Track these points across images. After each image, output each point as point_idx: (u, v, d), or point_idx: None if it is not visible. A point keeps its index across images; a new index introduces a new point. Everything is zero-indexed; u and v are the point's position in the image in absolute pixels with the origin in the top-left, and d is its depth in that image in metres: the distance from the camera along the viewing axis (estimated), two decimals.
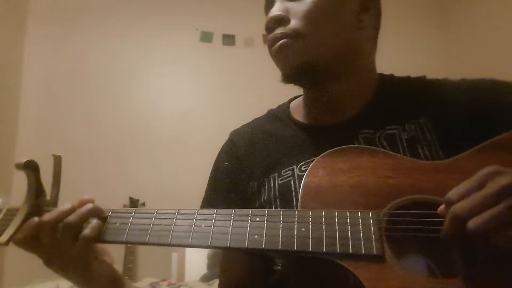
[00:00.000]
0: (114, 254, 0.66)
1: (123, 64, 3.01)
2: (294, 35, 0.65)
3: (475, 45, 2.94)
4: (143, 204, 2.71)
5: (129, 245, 2.50)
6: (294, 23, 0.65)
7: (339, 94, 0.70)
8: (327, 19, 0.66)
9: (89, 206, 0.59)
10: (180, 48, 3.07)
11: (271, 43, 0.68)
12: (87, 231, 0.57)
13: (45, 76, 2.92)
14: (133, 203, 2.67)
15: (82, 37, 2.99)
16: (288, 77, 0.68)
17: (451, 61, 3.09)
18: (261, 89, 2.75)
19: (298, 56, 0.65)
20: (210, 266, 2.33)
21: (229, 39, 3.08)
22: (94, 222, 0.58)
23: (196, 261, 2.42)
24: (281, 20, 0.66)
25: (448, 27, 3.23)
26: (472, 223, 0.42)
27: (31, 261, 0.70)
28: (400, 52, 2.87)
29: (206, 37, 3.07)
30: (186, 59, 3.06)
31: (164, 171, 2.82)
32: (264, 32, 0.69)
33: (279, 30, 0.66)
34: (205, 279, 2.20)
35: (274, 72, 0.71)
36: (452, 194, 0.46)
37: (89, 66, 2.96)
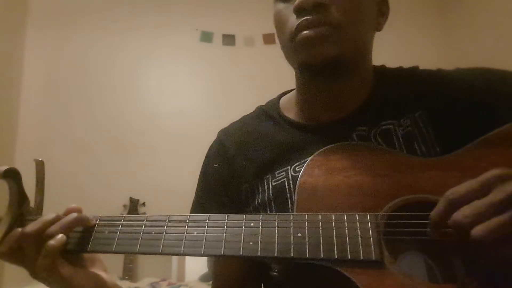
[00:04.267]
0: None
1: (123, 64, 3.00)
2: (334, 24, 0.60)
3: (475, 43, 2.93)
4: (143, 204, 2.71)
5: None
6: (335, 12, 0.60)
7: (341, 91, 0.67)
8: (362, 16, 0.65)
9: (73, 215, 0.56)
10: (180, 48, 3.06)
11: (304, 27, 0.61)
12: (51, 242, 0.54)
13: (45, 76, 2.92)
14: (133, 203, 2.67)
15: (82, 37, 2.98)
16: (316, 67, 0.62)
17: (451, 59, 3.08)
18: (261, 89, 2.74)
19: (335, 47, 0.60)
20: (211, 265, 2.33)
21: (229, 39, 3.07)
22: (57, 230, 0.55)
23: (196, 261, 2.42)
24: (321, 5, 0.60)
25: (448, 25, 3.22)
26: (476, 231, 0.40)
27: None
28: (400, 50, 2.85)
29: (206, 37, 3.06)
30: (186, 59, 3.06)
31: (164, 171, 2.82)
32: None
33: (318, 15, 0.60)
34: (205, 279, 2.20)
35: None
36: (452, 192, 0.43)
37: (89, 66, 2.96)
